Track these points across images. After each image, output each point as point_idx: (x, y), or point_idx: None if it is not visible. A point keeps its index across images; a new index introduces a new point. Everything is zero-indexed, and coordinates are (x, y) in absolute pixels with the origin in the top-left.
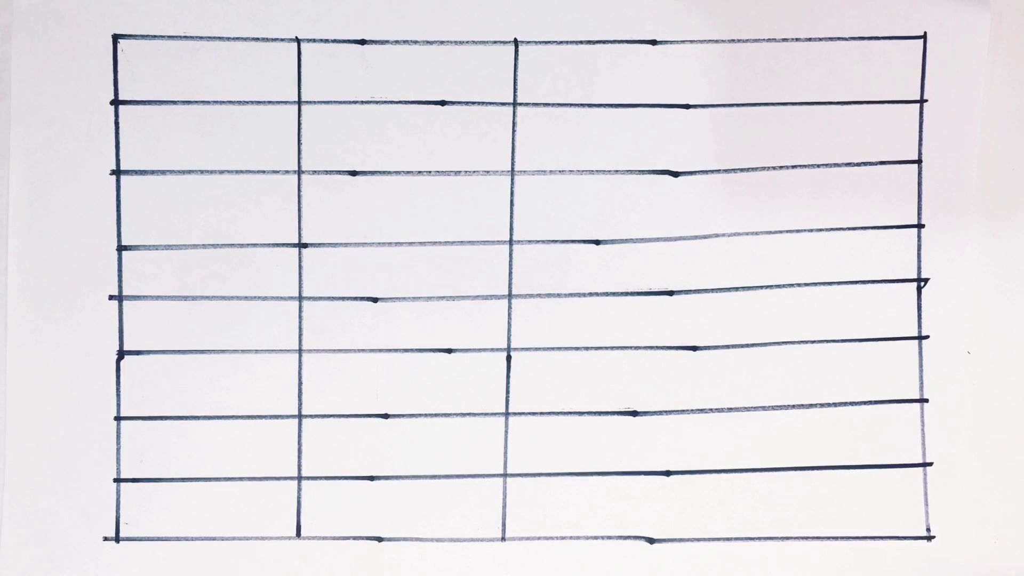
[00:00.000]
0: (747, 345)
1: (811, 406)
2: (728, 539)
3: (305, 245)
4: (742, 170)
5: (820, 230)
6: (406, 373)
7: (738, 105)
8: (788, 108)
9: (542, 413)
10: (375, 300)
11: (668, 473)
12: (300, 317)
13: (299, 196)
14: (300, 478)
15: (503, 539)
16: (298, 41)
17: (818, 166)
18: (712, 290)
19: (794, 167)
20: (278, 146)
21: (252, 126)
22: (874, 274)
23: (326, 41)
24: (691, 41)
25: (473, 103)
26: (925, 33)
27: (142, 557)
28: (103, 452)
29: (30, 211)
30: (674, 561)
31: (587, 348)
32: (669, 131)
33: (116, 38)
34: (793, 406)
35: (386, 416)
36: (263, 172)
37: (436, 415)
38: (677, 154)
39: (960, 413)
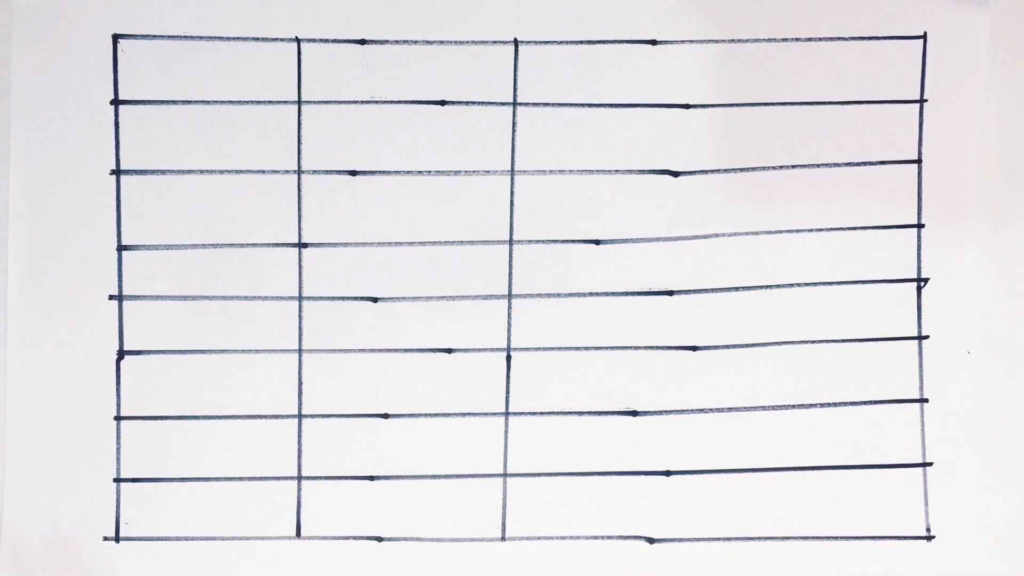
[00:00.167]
0: (747, 345)
1: (811, 406)
2: (728, 539)
3: (305, 245)
4: (742, 170)
5: (820, 230)
6: (406, 373)
7: (738, 105)
8: (788, 108)
9: (542, 413)
10: (375, 300)
11: (668, 473)
12: (300, 317)
13: (299, 196)
14: (300, 478)
15: (503, 539)
16: (298, 41)
17: (818, 166)
18: (712, 290)
19: (794, 167)
20: (278, 146)
21: (252, 126)
22: (874, 274)
23: (326, 41)
24: (691, 41)
25: (473, 103)
26: (925, 33)
27: (142, 557)
28: (103, 452)
29: (30, 211)
30: (674, 561)
31: (587, 348)
32: (669, 131)
33: (116, 38)
34: (793, 406)
35: (386, 416)
36: (263, 172)
37: (436, 415)
38: (677, 154)
39: (960, 413)
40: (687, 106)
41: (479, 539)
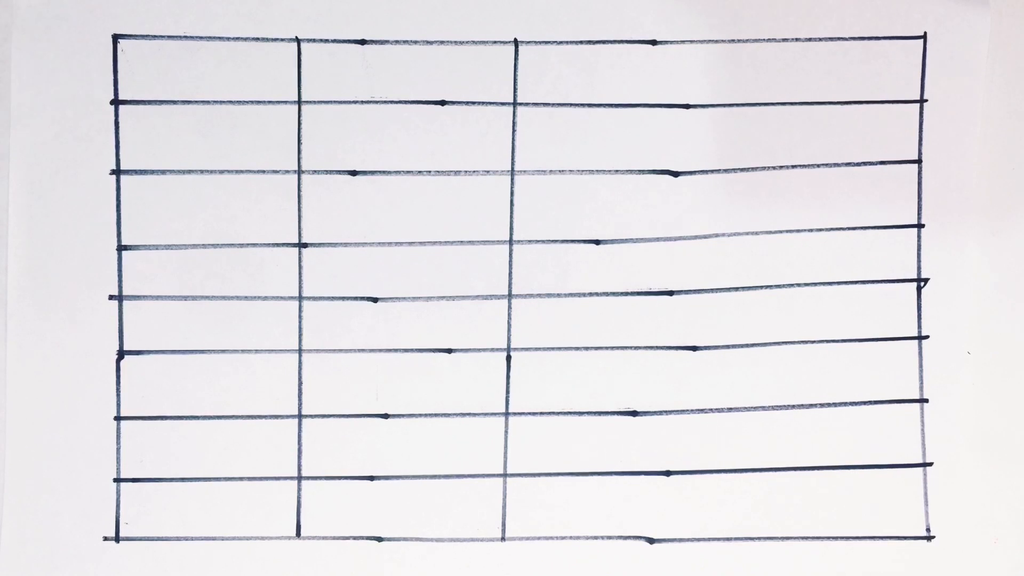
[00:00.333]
0: (747, 345)
1: (811, 406)
2: (728, 539)
3: (305, 245)
4: (742, 170)
5: (820, 230)
6: (406, 373)
7: (738, 105)
8: (788, 108)
9: (542, 413)
10: (375, 300)
11: (668, 473)
12: (300, 317)
13: (299, 196)
14: (300, 478)
15: (503, 539)
16: (298, 41)
17: (818, 166)
18: (712, 290)
19: (794, 167)
20: (278, 146)
21: (252, 126)
22: (874, 274)
23: (326, 41)
24: (691, 41)
25: (473, 103)
26: (925, 33)
27: (142, 557)
28: (103, 452)
29: (30, 211)
30: (674, 561)
31: (587, 348)
32: (669, 131)
33: (116, 38)
34: (793, 406)
35: (386, 416)
36: (263, 172)
37: (436, 415)
38: (677, 154)
39: (960, 413)
40: (687, 106)
41: (479, 539)
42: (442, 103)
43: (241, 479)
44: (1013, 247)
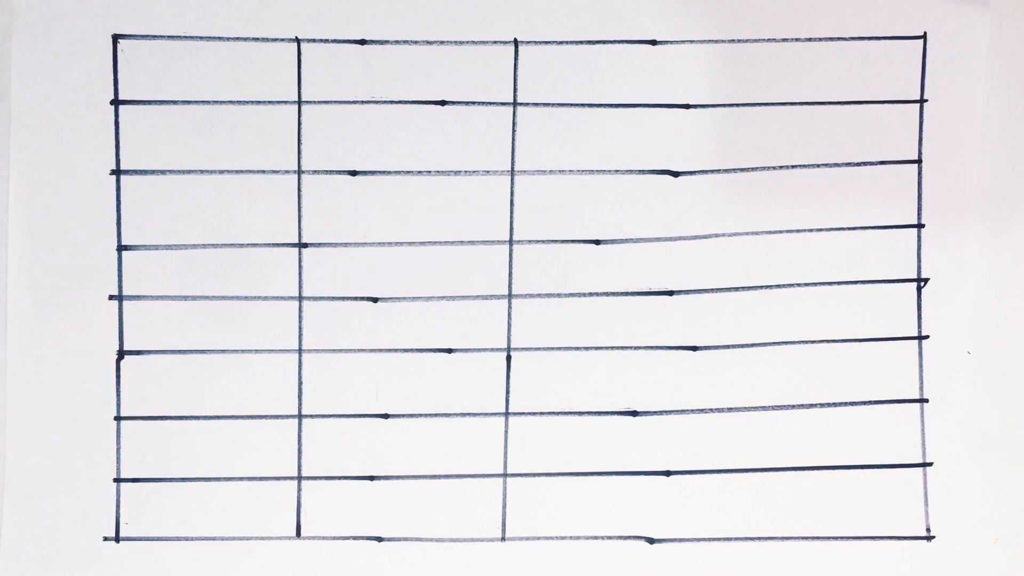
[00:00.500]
0: (747, 345)
1: (811, 406)
2: (728, 539)
3: (305, 245)
4: (742, 170)
5: (820, 230)
6: (406, 373)
7: (738, 105)
8: (788, 108)
9: (542, 413)
10: (375, 300)
11: (668, 473)
12: (300, 317)
13: (299, 196)
14: (300, 478)
15: (503, 539)
16: (298, 41)
17: (818, 166)
18: (712, 290)
19: (794, 167)
20: (278, 146)
21: (252, 126)
22: (874, 274)
23: (326, 41)
24: (691, 41)
25: (473, 103)
26: (925, 33)
27: (142, 557)
28: (103, 452)
29: (30, 211)
30: (674, 561)
31: (587, 348)
32: (669, 131)
33: (116, 38)
34: (793, 406)
35: (386, 416)
36: (263, 172)
37: (436, 415)
38: (677, 154)
39: (960, 413)
40: (687, 106)
41: (479, 539)
42: (442, 103)
43: (241, 479)
44: (1013, 247)
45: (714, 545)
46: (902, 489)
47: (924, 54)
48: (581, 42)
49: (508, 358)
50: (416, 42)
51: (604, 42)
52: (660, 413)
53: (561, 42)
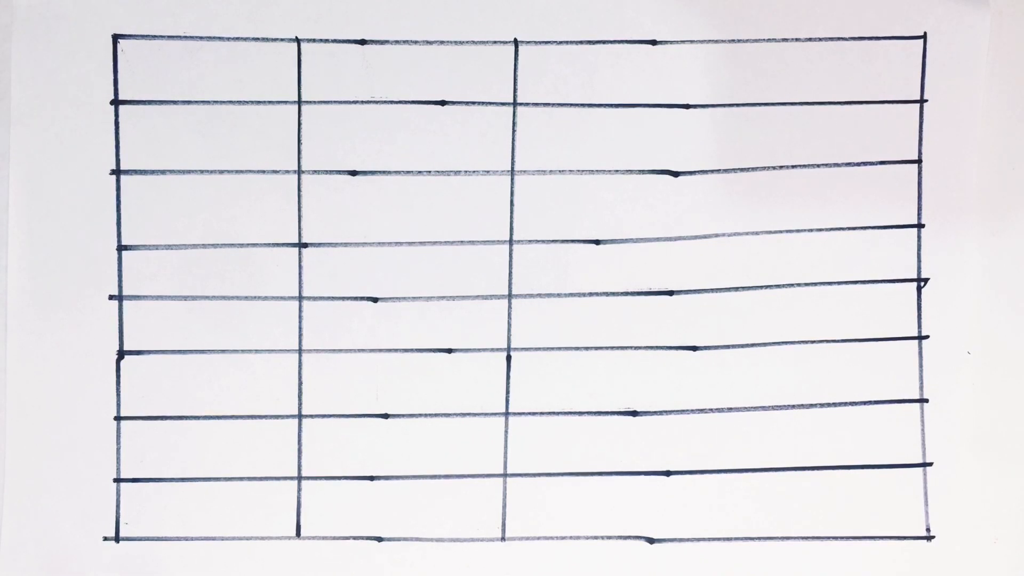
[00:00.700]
0: (747, 345)
1: (811, 406)
2: (728, 539)
3: (305, 245)
4: (742, 170)
5: (820, 230)
6: (406, 373)
7: (738, 105)
8: (788, 108)
9: (542, 413)
10: (375, 300)
11: (668, 473)
12: (300, 317)
13: (299, 196)
14: (300, 478)
15: (503, 539)
16: (298, 41)
17: (818, 166)
18: (712, 290)
19: (794, 167)
20: (278, 146)
21: (252, 126)
22: (874, 274)
23: (326, 41)
24: (691, 41)
25: (473, 103)
26: (925, 33)
27: (142, 557)
28: (103, 452)
29: (30, 211)
30: (674, 561)
31: (587, 348)
32: (669, 131)
33: (116, 38)
34: (793, 406)
35: (386, 416)
36: (263, 172)
37: (436, 415)
38: (677, 154)
39: (960, 413)
40: (687, 106)
41: (479, 539)
42: (442, 103)
43: (241, 479)
44: (1013, 247)
45: (714, 545)
46: (902, 489)
47: (924, 54)
48: (581, 42)
49: (508, 358)
50: (416, 42)
51: (604, 42)
52: (660, 413)
53: (561, 42)
